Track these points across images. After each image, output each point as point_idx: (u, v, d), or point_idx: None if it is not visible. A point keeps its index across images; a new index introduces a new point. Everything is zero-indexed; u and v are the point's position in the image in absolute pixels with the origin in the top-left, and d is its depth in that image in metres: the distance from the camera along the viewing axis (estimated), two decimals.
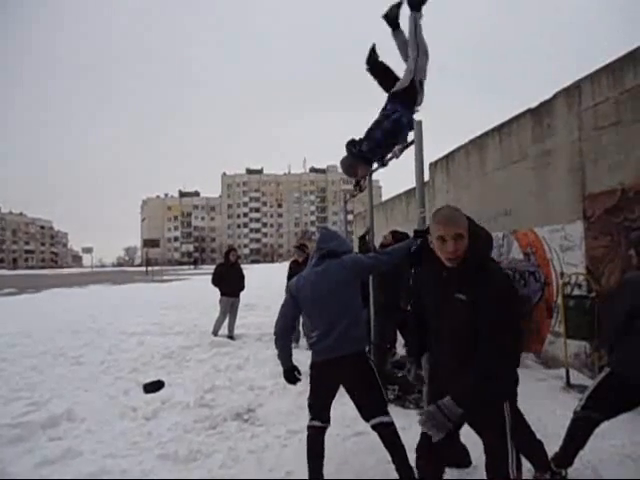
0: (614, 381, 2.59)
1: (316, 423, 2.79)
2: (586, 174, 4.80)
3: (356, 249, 6.09)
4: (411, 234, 3.13)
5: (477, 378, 1.86)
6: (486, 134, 6.85)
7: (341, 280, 2.73)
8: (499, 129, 6.50)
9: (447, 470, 2.83)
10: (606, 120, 4.51)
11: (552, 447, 2.87)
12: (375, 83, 4.17)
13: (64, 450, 3.40)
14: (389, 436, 2.71)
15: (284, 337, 2.86)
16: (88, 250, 69.96)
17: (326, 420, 2.81)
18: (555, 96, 5.28)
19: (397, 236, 5.12)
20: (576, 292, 4.88)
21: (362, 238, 4.47)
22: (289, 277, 7.81)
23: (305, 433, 3.59)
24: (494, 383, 1.89)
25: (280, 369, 2.89)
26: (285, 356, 2.85)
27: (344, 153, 3.87)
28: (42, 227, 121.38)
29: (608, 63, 4.51)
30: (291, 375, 2.82)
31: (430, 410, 1.90)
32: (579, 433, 2.68)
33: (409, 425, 3.25)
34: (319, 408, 2.80)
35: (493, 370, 1.87)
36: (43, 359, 6.49)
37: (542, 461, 2.71)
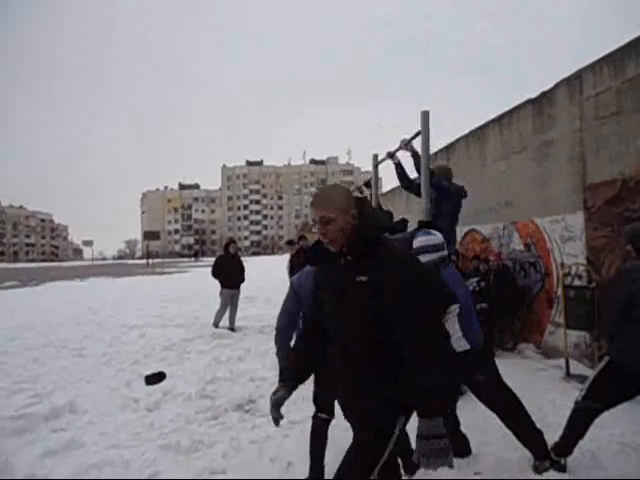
0: (614, 370, 2.61)
1: (321, 415, 2.81)
2: (587, 164, 4.78)
3: None
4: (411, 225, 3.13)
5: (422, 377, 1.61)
6: (486, 125, 6.83)
7: None
8: (499, 120, 6.48)
9: None
10: (607, 110, 4.49)
11: (552, 436, 2.88)
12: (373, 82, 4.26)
13: (67, 441, 3.42)
14: None
15: (285, 334, 2.84)
16: (88, 243, 69.95)
17: (331, 412, 2.83)
18: (556, 86, 5.25)
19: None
20: (576, 282, 4.89)
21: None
22: (290, 271, 7.81)
23: (306, 423, 3.62)
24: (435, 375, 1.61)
25: None
26: (283, 357, 2.82)
27: (343, 145, 3.90)
28: (42, 220, 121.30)
29: (610, 52, 4.47)
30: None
31: (419, 446, 1.65)
32: (580, 423, 2.70)
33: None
34: (325, 400, 2.82)
35: (426, 365, 1.60)
36: (45, 351, 6.51)
37: (542, 450, 2.73)
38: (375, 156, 4.56)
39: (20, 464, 3.09)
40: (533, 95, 5.70)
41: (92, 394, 4.59)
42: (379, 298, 1.65)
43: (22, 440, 3.51)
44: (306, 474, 2.79)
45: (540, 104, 5.55)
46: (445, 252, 2.91)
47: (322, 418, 2.81)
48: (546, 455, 2.71)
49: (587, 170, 4.78)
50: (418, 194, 4.05)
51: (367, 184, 5.14)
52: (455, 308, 2.75)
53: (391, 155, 4.12)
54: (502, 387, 2.85)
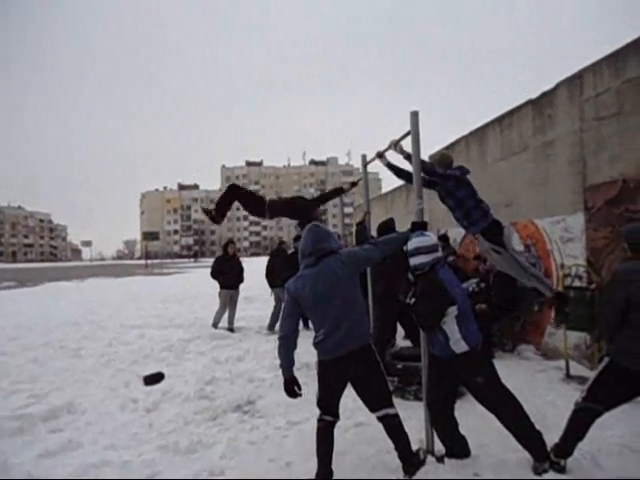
0: (614, 371, 2.60)
1: (327, 417, 2.79)
2: (587, 165, 4.78)
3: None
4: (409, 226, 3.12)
5: None
6: (486, 125, 6.82)
7: (341, 276, 2.68)
8: (499, 120, 6.47)
9: (447, 460, 2.85)
10: (607, 110, 4.48)
11: (552, 437, 2.87)
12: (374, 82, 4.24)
13: (65, 442, 3.41)
14: (395, 427, 2.73)
15: (289, 341, 2.74)
16: (87, 243, 70.08)
17: (335, 414, 2.82)
18: (557, 86, 5.25)
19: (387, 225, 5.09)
20: (576, 283, 4.88)
21: (359, 224, 4.48)
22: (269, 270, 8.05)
23: (304, 424, 3.62)
24: None
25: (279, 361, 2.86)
26: (288, 364, 2.75)
27: (343, 146, 3.89)
28: (41, 220, 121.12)
29: (610, 53, 4.47)
30: (291, 388, 2.74)
31: None
32: (580, 424, 2.69)
33: (409, 416, 3.26)
34: (328, 403, 2.80)
35: None
36: (43, 352, 6.49)
37: (541, 451, 2.72)
38: (364, 156, 4.56)
39: (18, 465, 3.07)
40: (533, 96, 5.70)
41: (91, 394, 4.57)
42: None
43: (20, 441, 3.49)
44: (305, 474, 2.78)
45: (540, 104, 5.54)
46: (439, 253, 2.90)
47: (327, 421, 2.79)
48: (545, 456, 2.70)
49: (587, 171, 4.77)
50: (427, 186, 3.98)
51: (354, 184, 5.10)
52: (453, 310, 2.74)
53: (380, 155, 4.08)
54: (501, 388, 2.84)
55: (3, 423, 3.71)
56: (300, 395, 2.77)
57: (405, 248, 2.92)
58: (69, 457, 3.22)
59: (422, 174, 3.35)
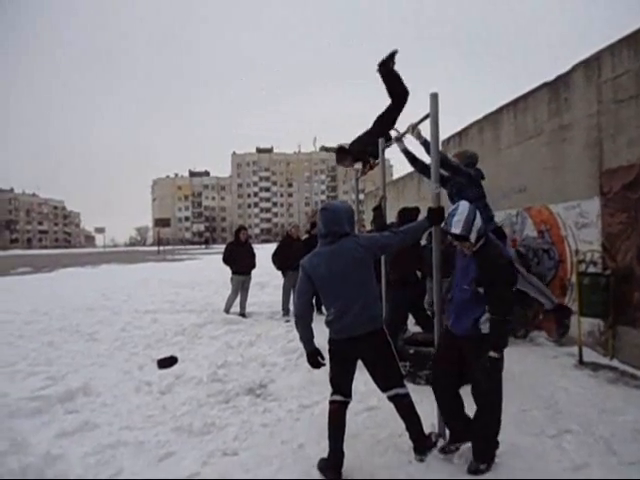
0: None
1: (338, 397, 2.80)
2: (604, 149, 4.68)
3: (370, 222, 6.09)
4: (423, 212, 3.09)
5: None
6: (500, 109, 6.70)
7: (357, 258, 2.67)
8: (514, 104, 6.35)
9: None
10: (626, 93, 4.37)
11: (564, 423, 2.87)
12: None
13: (81, 422, 3.48)
14: (405, 407, 2.74)
15: (305, 317, 2.77)
16: (100, 230, 70.89)
17: (348, 394, 2.82)
18: (574, 68, 5.12)
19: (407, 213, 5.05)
20: (591, 269, 4.82)
21: (376, 208, 4.47)
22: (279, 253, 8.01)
23: (316, 407, 3.65)
24: None
25: (291, 345, 2.90)
26: (307, 337, 2.77)
27: (354, 132, 3.87)
28: (55, 207, 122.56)
29: (629, 33, 4.34)
30: (314, 359, 2.76)
31: None
32: None
33: (420, 400, 3.26)
34: (340, 382, 2.81)
35: None
36: (59, 336, 6.61)
37: (487, 455, 2.68)
38: (382, 140, 4.48)
39: (36, 444, 3.14)
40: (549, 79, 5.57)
41: (106, 377, 4.65)
42: None
43: (38, 421, 3.57)
44: (317, 456, 2.81)
45: (556, 87, 5.42)
46: None
47: (338, 401, 2.80)
48: (484, 460, 2.65)
49: (604, 155, 4.68)
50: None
51: (371, 166, 5.08)
52: None
53: (398, 139, 4.03)
54: (500, 378, 2.71)
55: (22, 404, 3.79)
56: (324, 364, 2.78)
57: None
58: (86, 437, 3.29)
59: None
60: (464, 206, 2.69)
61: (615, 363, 4.43)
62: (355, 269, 2.67)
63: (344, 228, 2.74)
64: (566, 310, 3.63)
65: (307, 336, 2.77)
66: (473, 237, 2.61)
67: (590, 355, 4.64)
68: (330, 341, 2.81)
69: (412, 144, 4.04)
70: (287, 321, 7.24)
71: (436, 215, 2.95)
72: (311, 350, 2.76)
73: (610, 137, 4.59)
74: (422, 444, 2.73)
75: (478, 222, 2.63)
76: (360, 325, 2.66)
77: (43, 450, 3.02)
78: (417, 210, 5.11)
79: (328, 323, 2.77)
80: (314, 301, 3.12)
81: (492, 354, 2.56)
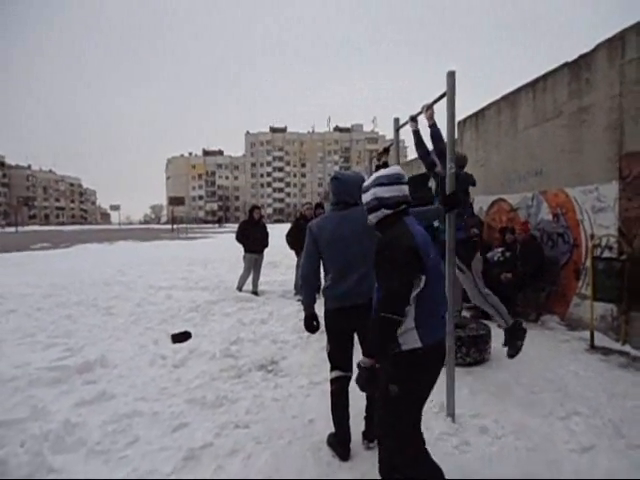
0: None
1: (338, 373, 2.81)
2: (625, 131, 4.57)
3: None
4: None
5: None
6: (519, 90, 6.56)
7: (365, 229, 2.50)
8: (533, 85, 6.21)
9: (469, 421, 2.89)
10: None
11: (573, 405, 2.88)
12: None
13: (99, 392, 3.59)
14: None
15: (311, 279, 2.79)
16: (116, 208, 71.64)
17: (347, 369, 2.82)
18: (596, 48, 4.98)
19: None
20: (606, 254, 4.77)
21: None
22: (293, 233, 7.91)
23: (326, 384, 3.70)
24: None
25: (303, 324, 2.89)
26: (308, 302, 2.82)
27: (368, 113, 3.83)
28: (71, 185, 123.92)
29: None
30: (310, 322, 2.79)
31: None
32: None
33: None
34: (338, 357, 2.82)
35: None
36: (77, 309, 6.77)
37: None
38: (397, 120, 4.41)
39: (56, 411, 3.26)
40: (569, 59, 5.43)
41: (121, 350, 4.77)
42: None
43: (57, 390, 3.69)
44: (327, 430, 2.86)
45: (578, 68, 5.29)
46: None
47: (338, 377, 2.81)
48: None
49: (625, 137, 4.57)
50: (429, 168, 4.05)
51: (386, 150, 5.04)
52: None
53: (413, 118, 3.99)
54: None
55: (42, 373, 3.92)
56: (318, 329, 2.82)
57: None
58: (103, 407, 3.39)
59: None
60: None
61: (627, 348, 4.41)
62: (361, 237, 2.61)
63: (355, 198, 2.67)
64: (520, 331, 3.59)
65: (308, 301, 2.82)
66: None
67: (602, 340, 4.63)
68: (326, 313, 2.78)
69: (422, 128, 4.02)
70: (299, 300, 7.30)
71: (451, 201, 2.94)
72: (310, 313, 2.79)
73: (631, 119, 4.48)
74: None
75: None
76: (357, 294, 2.61)
77: (63, 418, 3.12)
78: (427, 175, 5.04)
79: (325, 290, 2.75)
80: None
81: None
